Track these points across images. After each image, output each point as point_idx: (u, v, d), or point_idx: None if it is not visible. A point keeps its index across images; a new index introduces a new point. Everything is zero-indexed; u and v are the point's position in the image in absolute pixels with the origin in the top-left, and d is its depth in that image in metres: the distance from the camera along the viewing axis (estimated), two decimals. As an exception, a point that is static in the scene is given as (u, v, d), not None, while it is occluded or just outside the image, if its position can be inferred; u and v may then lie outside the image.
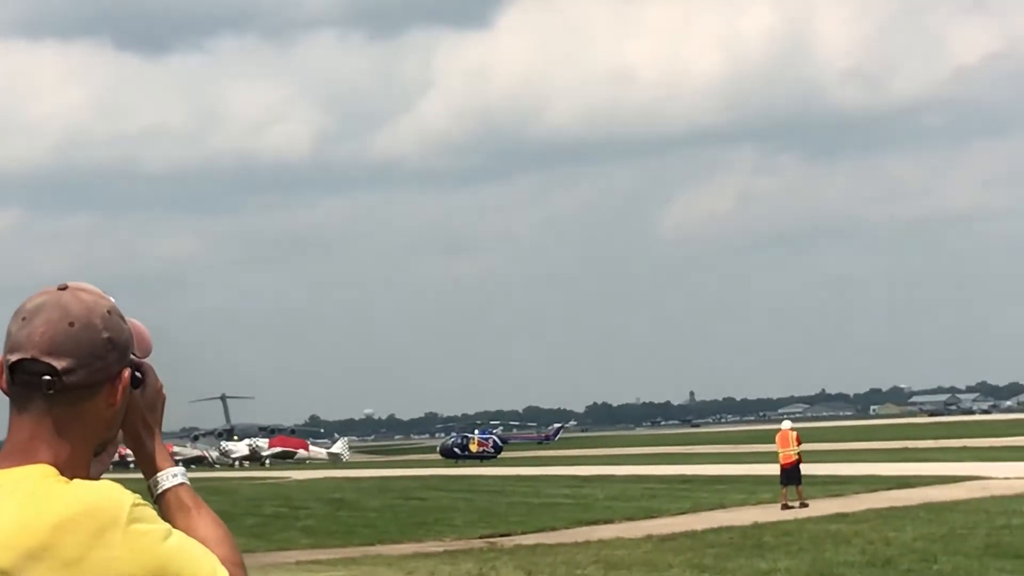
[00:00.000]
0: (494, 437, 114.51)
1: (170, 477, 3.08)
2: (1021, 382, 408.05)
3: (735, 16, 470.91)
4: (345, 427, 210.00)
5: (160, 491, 3.07)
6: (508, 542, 30.64)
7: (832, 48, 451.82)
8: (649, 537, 29.10)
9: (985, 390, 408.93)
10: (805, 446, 39.56)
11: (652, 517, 35.19)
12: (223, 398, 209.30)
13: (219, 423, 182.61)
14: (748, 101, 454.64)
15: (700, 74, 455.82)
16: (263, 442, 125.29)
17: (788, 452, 36.95)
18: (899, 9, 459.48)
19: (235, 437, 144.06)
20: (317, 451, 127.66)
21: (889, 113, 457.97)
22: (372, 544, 31.94)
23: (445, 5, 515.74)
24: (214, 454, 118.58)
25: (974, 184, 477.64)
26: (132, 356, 3.00)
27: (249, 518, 39.90)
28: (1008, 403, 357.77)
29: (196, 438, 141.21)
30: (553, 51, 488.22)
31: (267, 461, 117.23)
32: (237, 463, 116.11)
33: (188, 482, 3.09)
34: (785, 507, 35.45)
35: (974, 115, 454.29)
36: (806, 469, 37.84)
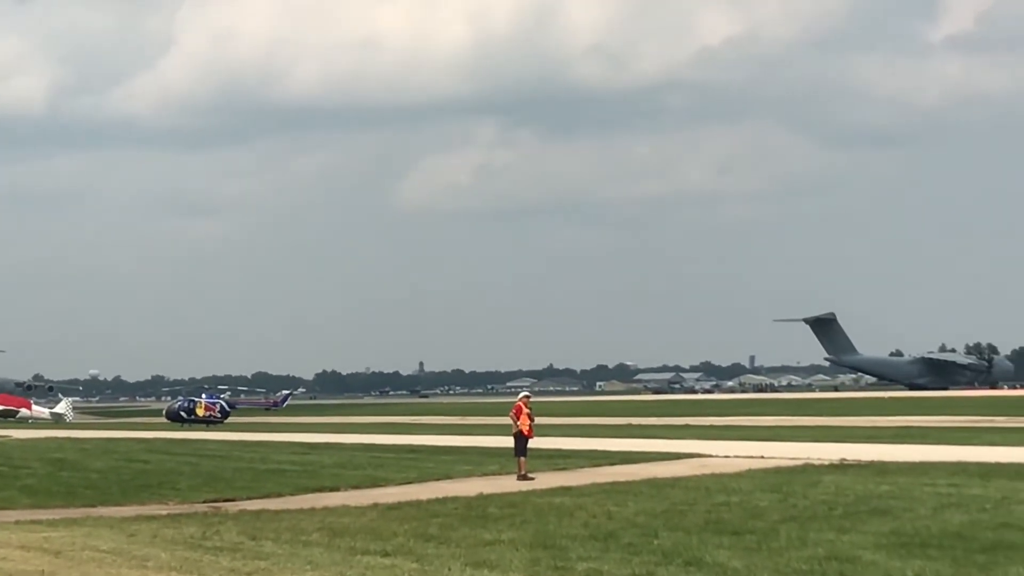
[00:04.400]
0: (221, 402, 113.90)
1: None
2: (742, 363, 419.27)
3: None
4: (69, 387, 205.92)
5: None
6: (233, 507, 30.45)
7: (578, 25, 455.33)
8: (375, 505, 29.16)
9: (708, 370, 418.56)
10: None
11: (378, 486, 35.28)
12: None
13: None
14: (492, 74, 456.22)
15: (445, 44, 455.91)
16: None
17: (522, 422, 37.27)
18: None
19: None
20: (40, 411, 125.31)
21: (630, 92, 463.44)
22: (94, 505, 31.58)
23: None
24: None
25: (709, 165, 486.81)
26: None
27: (-33, 476, 38.99)
28: (729, 383, 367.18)
29: None
30: (300, 15, 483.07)
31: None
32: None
33: None
34: (521, 478, 35.79)
35: (713, 97, 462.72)
36: (532, 443, 38.25)
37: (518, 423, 37.52)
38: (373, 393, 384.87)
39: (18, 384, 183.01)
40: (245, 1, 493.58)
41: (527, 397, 39.35)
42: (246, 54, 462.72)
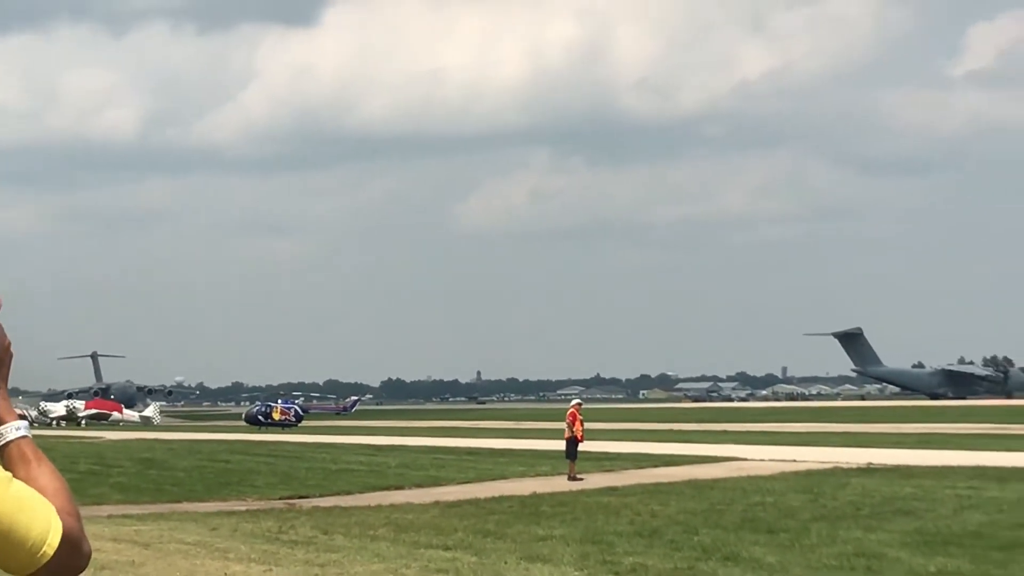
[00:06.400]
0: (296, 407, 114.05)
1: (13, 430, 3.05)
2: (775, 373, 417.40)
3: (540, 26, 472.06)
4: (157, 393, 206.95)
5: (3, 443, 3.03)
6: (306, 503, 30.53)
7: (626, 60, 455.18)
8: (436, 503, 29.18)
9: (744, 380, 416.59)
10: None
11: (439, 485, 35.29)
12: (94, 356, 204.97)
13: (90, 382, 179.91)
14: (545, 106, 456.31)
15: (505, 78, 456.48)
16: (80, 403, 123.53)
17: (575, 427, 37.22)
18: (689, 27, 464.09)
19: (111, 396, 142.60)
20: (130, 414, 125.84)
21: (674, 122, 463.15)
22: (180, 502, 31.65)
23: (272, 3, 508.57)
24: (33, 413, 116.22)
25: (747, 190, 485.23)
26: None
27: (65, 474, 38.45)
28: (763, 392, 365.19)
29: (67, 395, 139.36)
30: (371, 50, 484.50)
31: (83, 422, 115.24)
32: (54, 422, 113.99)
33: (30, 435, 3.07)
34: (572, 478, 35.75)
35: (751, 127, 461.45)
36: (581, 446, 38.21)
37: (573, 428, 37.46)
38: (434, 399, 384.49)
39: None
40: (322, 38, 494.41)
41: (579, 404, 39.30)
42: (322, 87, 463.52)
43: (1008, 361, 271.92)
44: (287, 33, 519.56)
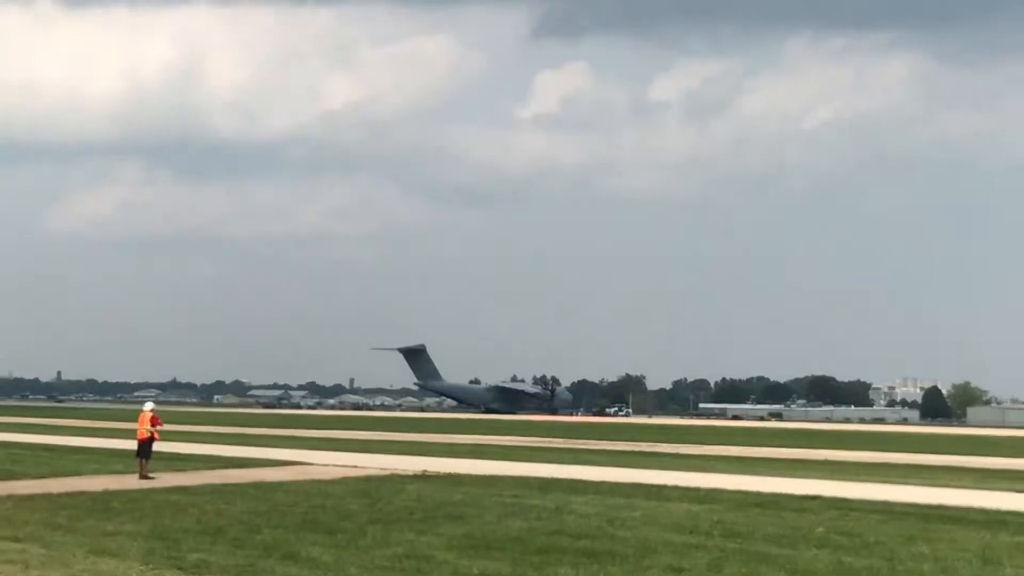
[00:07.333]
0: None
1: None
2: (343, 384, 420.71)
3: (138, 47, 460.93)
4: None
5: None
6: None
7: (219, 83, 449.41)
8: (10, 496, 28.41)
9: (313, 389, 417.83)
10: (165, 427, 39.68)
11: (14, 479, 34.30)
12: None
13: None
14: (139, 121, 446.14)
15: (100, 93, 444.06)
16: None
17: (143, 429, 36.64)
18: (278, 58, 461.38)
19: None
20: None
21: (261, 143, 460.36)
22: None
23: None
24: None
25: (324, 210, 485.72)
26: None
27: None
28: (331, 401, 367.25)
29: None
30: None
31: None
32: None
33: None
34: (143, 477, 35.22)
35: (330, 151, 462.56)
36: (156, 446, 37.66)
37: (150, 428, 36.85)
38: (15, 396, 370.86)
39: None
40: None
41: (153, 409, 38.74)
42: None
43: (556, 381, 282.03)
44: None
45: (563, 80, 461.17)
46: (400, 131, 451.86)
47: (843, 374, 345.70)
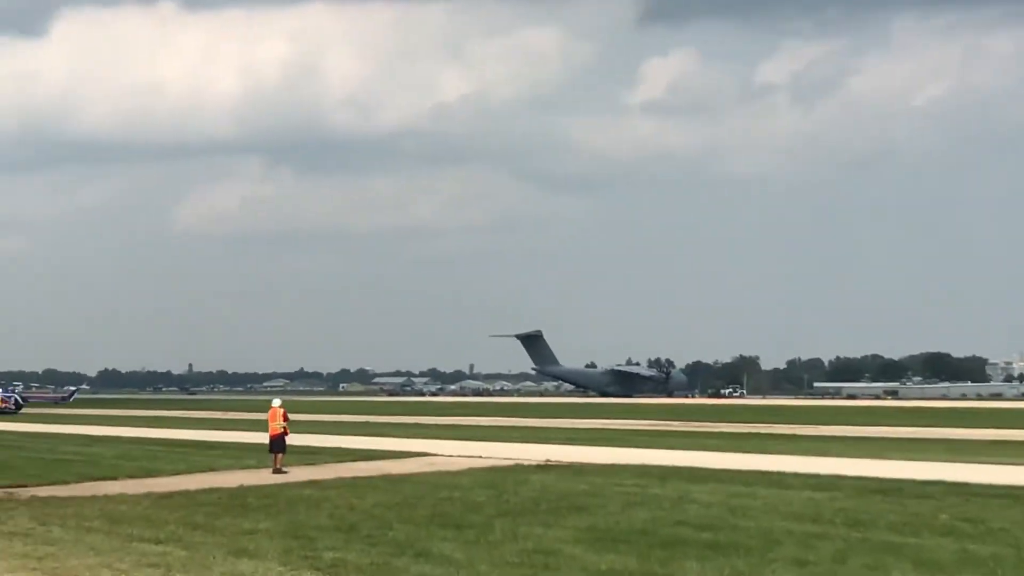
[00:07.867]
0: (15, 396, 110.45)
1: None
2: (463, 370, 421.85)
3: (253, 45, 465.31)
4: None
5: None
6: (24, 493, 29.62)
7: (334, 80, 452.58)
8: (149, 494, 28.67)
9: (435, 375, 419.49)
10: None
11: (152, 476, 34.65)
12: None
13: None
14: (258, 119, 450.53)
15: (220, 93, 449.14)
16: None
17: (275, 425, 36.86)
18: (391, 53, 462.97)
19: None
20: None
21: (375, 138, 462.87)
22: None
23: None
24: None
25: (439, 201, 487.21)
26: None
27: None
28: (452, 387, 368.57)
29: None
30: (96, 61, 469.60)
31: None
32: None
33: None
34: (276, 471, 35.43)
35: (443, 143, 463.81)
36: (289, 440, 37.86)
37: (282, 424, 37.00)
38: (148, 389, 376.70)
39: None
40: (49, 48, 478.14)
41: (281, 405, 38.92)
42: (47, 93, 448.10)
43: (670, 363, 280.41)
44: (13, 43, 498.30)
45: (670, 66, 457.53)
46: (511, 121, 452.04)
47: (959, 350, 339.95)
